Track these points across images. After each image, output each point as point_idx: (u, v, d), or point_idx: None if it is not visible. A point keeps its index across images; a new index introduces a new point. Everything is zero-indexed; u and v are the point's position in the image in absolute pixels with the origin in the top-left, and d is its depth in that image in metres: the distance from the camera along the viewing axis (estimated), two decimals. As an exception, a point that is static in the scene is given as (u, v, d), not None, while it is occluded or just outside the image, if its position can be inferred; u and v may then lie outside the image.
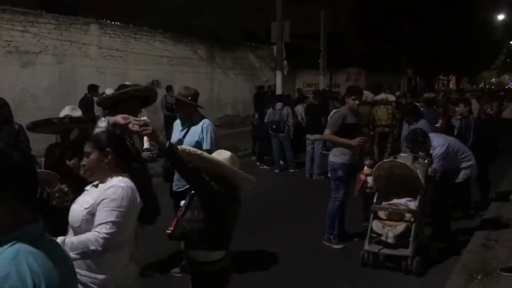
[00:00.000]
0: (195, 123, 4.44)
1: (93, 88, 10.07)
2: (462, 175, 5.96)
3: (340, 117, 5.67)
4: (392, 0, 24.53)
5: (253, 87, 18.25)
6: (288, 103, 11.01)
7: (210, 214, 2.76)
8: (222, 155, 2.85)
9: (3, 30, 10.53)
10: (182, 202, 2.94)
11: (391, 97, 11.98)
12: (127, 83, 7.94)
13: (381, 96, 11.10)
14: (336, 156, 5.68)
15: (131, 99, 3.85)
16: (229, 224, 2.89)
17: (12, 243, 1.35)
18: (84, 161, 2.49)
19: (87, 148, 2.46)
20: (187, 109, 4.48)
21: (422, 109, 8.87)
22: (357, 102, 5.77)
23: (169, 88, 12.73)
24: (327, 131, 5.76)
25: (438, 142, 5.73)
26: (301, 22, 20.30)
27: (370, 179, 5.85)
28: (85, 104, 9.92)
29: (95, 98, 9.97)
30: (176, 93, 5.19)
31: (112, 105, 3.88)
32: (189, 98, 4.44)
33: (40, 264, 1.35)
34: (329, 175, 6.00)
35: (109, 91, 9.41)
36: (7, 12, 10.68)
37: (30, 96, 11.06)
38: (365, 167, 6.22)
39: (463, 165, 5.94)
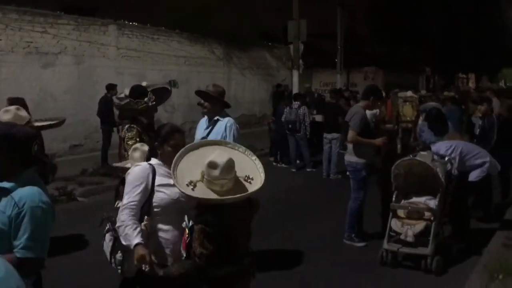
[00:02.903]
0: (220, 121, 4.47)
1: (111, 87, 10.18)
2: (478, 173, 5.84)
3: (362, 117, 5.66)
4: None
5: (269, 86, 18.24)
6: (305, 103, 10.99)
7: (211, 235, 2.57)
8: (219, 157, 2.56)
9: (23, 31, 10.72)
10: (184, 224, 2.81)
11: (415, 95, 12.31)
12: (144, 83, 8.04)
13: (409, 93, 11.46)
14: (359, 157, 5.66)
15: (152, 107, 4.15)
16: (235, 240, 2.65)
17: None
18: None
19: None
20: (215, 105, 4.50)
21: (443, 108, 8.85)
22: (376, 103, 5.84)
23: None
24: (351, 134, 5.65)
25: (444, 149, 5.68)
26: (318, 21, 20.19)
27: None
28: (105, 103, 10.03)
29: (114, 98, 10.07)
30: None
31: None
32: (218, 94, 4.47)
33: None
34: (348, 174, 5.95)
35: (127, 91, 9.49)
36: (28, 14, 10.87)
37: (50, 96, 11.24)
38: None
39: (477, 162, 5.82)
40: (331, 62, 21.41)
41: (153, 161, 2.99)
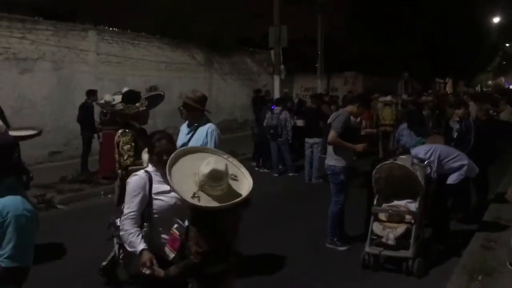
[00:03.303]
0: (201, 127, 4.46)
1: (91, 93, 10.07)
2: (457, 176, 5.95)
3: (345, 120, 5.70)
4: (388, 3, 24.65)
5: (251, 92, 18.29)
6: (286, 108, 11.05)
7: (207, 235, 2.67)
8: (204, 168, 2.59)
9: (1, 37, 10.55)
10: (176, 226, 2.85)
11: (394, 100, 12.64)
12: (124, 89, 7.98)
13: (388, 97, 11.77)
14: (338, 160, 5.70)
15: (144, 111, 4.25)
16: (229, 239, 2.79)
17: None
18: None
19: None
20: (193, 113, 4.49)
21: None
22: (361, 109, 5.91)
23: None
24: (333, 134, 5.65)
25: (422, 153, 5.77)
26: (298, 27, 20.38)
27: None
28: (85, 109, 9.92)
29: (94, 103, 9.97)
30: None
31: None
32: (195, 102, 4.46)
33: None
34: (329, 179, 5.98)
35: (107, 97, 9.35)
36: (5, 19, 10.70)
37: (29, 102, 11.06)
38: None
39: (455, 165, 5.93)
40: (312, 67, 21.58)
41: (150, 168, 3.14)
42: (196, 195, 2.59)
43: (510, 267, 4.73)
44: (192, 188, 2.60)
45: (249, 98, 17.99)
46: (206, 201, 2.60)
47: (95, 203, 8.22)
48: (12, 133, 4.04)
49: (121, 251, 3.20)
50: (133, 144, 4.04)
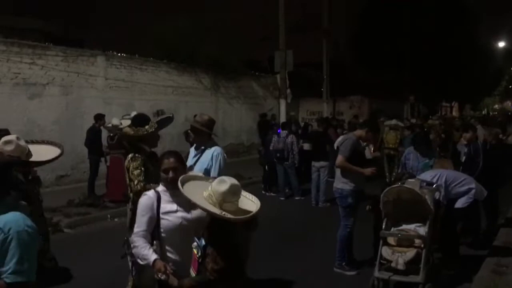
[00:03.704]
0: (207, 150, 4.49)
1: (99, 117, 10.17)
2: (465, 200, 5.89)
3: (353, 144, 5.71)
4: (394, 27, 24.90)
5: (257, 115, 18.39)
6: (292, 131, 11.07)
7: (223, 252, 2.78)
8: (220, 186, 2.80)
9: (11, 62, 10.73)
10: (195, 244, 2.94)
11: (400, 124, 12.61)
12: (133, 113, 8.05)
13: (393, 121, 11.78)
14: (345, 184, 5.68)
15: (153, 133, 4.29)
16: (243, 258, 2.91)
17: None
18: None
19: None
20: (200, 136, 4.54)
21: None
22: (369, 134, 5.87)
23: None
24: (340, 158, 5.68)
25: (429, 178, 5.73)
26: (304, 51, 20.60)
27: None
28: (94, 133, 10.00)
29: (102, 127, 10.06)
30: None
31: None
32: (202, 125, 4.51)
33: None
34: (337, 202, 5.95)
35: (115, 121, 9.50)
36: (16, 45, 10.91)
37: (38, 127, 11.17)
38: None
39: (462, 189, 5.88)
40: (318, 91, 21.70)
41: (160, 187, 3.22)
42: (223, 212, 2.76)
43: None
44: (215, 208, 2.76)
45: (255, 122, 18.07)
46: (234, 215, 2.77)
47: (101, 227, 8.21)
48: (35, 154, 4.00)
49: (133, 268, 3.32)
50: (142, 169, 4.04)
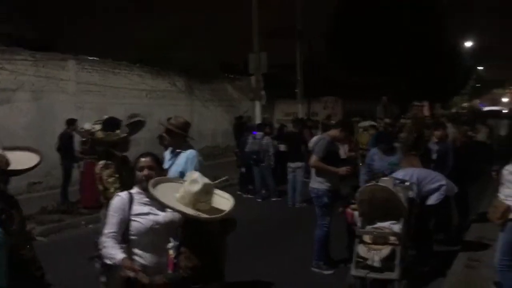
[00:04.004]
0: (182, 153, 4.46)
1: (71, 122, 10.00)
2: (437, 196, 6.01)
3: (326, 144, 5.77)
4: (366, 28, 25.23)
5: (232, 118, 18.37)
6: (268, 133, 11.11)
7: (198, 252, 2.78)
8: (192, 186, 2.81)
9: (-21, 68, 10.47)
10: (171, 245, 2.94)
11: (374, 123, 12.66)
12: (105, 116, 7.94)
13: (367, 123, 11.83)
14: (320, 183, 5.75)
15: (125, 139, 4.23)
16: (218, 258, 2.90)
17: None
18: None
19: None
20: (176, 139, 4.51)
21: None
22: (343, 134, 5.91)
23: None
24: (314, 158, 5.78)
25: (401, 177, 5.83)
26: (278, 53, 20.68)
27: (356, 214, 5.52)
28: (66, 139, 9.82)
29: (74, 132, 9.89)
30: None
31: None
32: (177, 128, 4.48)
33: None
34: (313, 202, 6.00)
35: (87, 126, 9.34)
36: (-17, 50, 10.65)
37: (8, 133, 10.88)
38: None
39: (433, 186, 6.00)
40: (292, 92, 21.82)
41: (134, 189, 3.16)
42: (197, 212, 2.75)
43: (494, 286, 4.77)
44: (188, 209, 2.74)
45: (230, 124, 18.06)
46: (208, 214, 2.77)
47: (75, 234, 8.06)
48: (14, 162, 3.87)
49: (102, 270, 3.28)
50: (117, 175, 3.99)
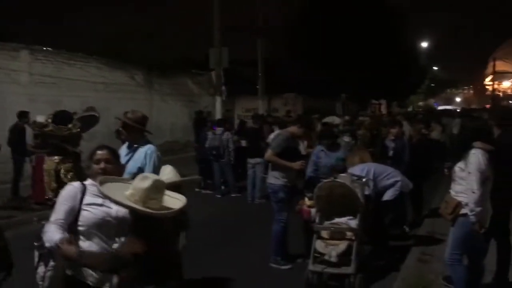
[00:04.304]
0: (140, 148, 4.34)
1: (23, 115, 9.62)
2: (392, 192, 6.17)
3: (284, 140, 5.79)
4: (325, 27, 25.56)
5: (192, 113, 18.20)
6: (228, 128, 11.06)
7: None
8: (142, 183, 2.74)
9: None
10: (117, 245, 2.88)
11: (337, 120, 12.70)
12: (58, 110, 7.69)
13: (330, 118, 11.89)
14: (276, 178, 5.78)
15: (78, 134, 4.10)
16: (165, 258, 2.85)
17: None
18: None
19: None
20: (133, 133, 4.38)
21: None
22: (301, 130, 5.93)
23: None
24: (269, 152, 5.84)
25: (359, 172, 5.95)
26: (240, 49, 20.65)
27: (313, 211, 5.57)
28: (17, 132, 9.44)
29: (26, 125, 9.52)
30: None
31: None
32: (135, 122, 4.36)
33: None
34: (270, 197, 6.02)
35: (40, 119, 9.00)
36: None
37: (-46, 126, 10.38)
38: (307, 199, 5.79)
39: (389, 182, 6.16)
40: (253, 88, 21.84)
41: (88, 181, 3.04)
42: (147, 209, 2.69)
43: (443, 281, 4.92)
44: (137, 205, 2.68)
45: (190, 119, 17.89)
46: (158, 209, 2.72)
47: (27, 231, 7.74)
48: None
49: (39, 261, 3.17)
50: (74, 171, 3.89)
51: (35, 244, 3.25)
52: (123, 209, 2.82)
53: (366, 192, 5.63)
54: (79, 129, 4.14)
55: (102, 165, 2.97)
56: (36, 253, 3.29)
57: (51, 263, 3.03)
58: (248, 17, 22.04)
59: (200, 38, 19.07)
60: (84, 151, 4.22)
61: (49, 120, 4.24)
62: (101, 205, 2.87)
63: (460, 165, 4.29)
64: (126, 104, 14.80)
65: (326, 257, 5.08)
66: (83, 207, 2.89)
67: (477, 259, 4.47)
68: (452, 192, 4.37)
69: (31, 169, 9.41)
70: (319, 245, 5.19)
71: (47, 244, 2.84)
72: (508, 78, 63.18)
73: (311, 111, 18.21)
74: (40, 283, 3.20)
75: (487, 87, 69.29)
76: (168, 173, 3.84)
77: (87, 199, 2.92)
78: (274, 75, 22.30)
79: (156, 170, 4.18)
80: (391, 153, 7.57)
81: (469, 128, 4.77)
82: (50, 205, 4.07)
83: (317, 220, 5.38)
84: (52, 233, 2.77)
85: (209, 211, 8.34)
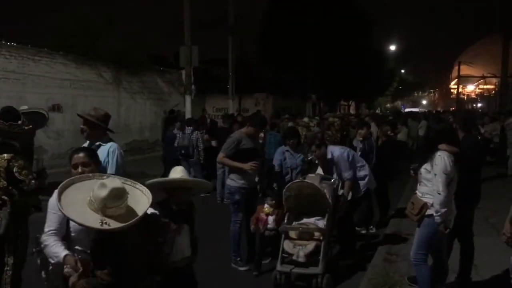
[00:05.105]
0: (102, 146, 4.24)
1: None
2: (362, 186, 6.29)
3: (235, 141, 5.75)
4: (296, 28, 25.74)
5: (161, 111, 17.98)
6: (198, 128, 10.97)
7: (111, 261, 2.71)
8: (100, 191, 2.61)
9: None
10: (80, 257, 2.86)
11: (308, 121, 12.89)
12: (24, 107, 7.44)
13: (304, 120, 12.03)
14: (233, 180, 5.77)
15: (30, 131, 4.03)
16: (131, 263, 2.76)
17: None
18: None
19: None
20: (95, 131, 4.27)
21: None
22: (251, 129, 5.90)
23: None
24: (220, 154, 5.82)
25: (338, 152, 6.01)
26: (210, 48, 20.56)
27: (271, 219, 5.57)
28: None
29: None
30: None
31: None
32: (98, 119, 4.26)
33: None
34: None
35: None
36: None
37: None
38: (266, 206, 5.67)
39: (361, 173, 6.27)
40: (224, 87, 21.78)
41: None
42: (104, 221, 2.55)
43: (407, 281, 5.00)
44: (96, 216, 2.56)
45: (159, 118, 17.67)
46: (115, 224, 2.57)
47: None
48: None
49: (43, 267, 3.16)
50: (27, 167, 3.84)
51: (34, 250, 3.26)
52: None
53: (340, 193, 5.69)
54: (30, 126, 4.05)
55: (79, 169, 3.03)
56: (38, 260, 3.24)
57: (51, 267, 3.04)
58: (219, 14, 21.97)
59: (170, 35, 18.90)
60: (50, 150, 4.11)
61: None
62: None
63: (426, 166, 4.36)
64: (93, 101, 14.53)
65: (294, 257, 5.09)
66: None
67: (441, 259, 4.56)
68: (418, 193, 4.44)
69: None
70: (287, 245, 5.19)
71: (51, 260, 2.94)
72: (472, 82, 65.21)
73: (282, 111, 18.32)
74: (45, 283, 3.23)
75: (452, 90, 71.31)
76: (179, 172, 3.79)
77: None
78: (245, 75, 22.31)
79: (118, 168, 4.10)
80: (359, 153, 7.67)
81: (434, 130, 4.87)
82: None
83: (285, 220, 5.39)
84: (54, 248, 2.90)
85: (177, 211, 8.21)
